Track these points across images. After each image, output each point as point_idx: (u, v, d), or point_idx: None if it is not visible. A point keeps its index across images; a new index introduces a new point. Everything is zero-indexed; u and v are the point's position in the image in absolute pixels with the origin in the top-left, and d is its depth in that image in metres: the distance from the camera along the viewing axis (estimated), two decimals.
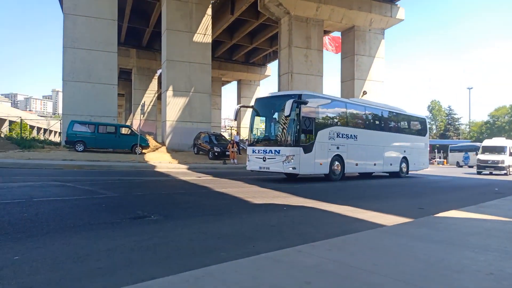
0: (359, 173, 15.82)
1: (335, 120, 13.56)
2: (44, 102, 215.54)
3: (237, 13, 29.02)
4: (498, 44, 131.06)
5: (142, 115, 21.19)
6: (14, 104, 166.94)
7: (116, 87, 22.95)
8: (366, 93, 28.34)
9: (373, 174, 17.06)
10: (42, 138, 30.73)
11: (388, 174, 17.02)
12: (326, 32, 30.62)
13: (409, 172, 17.68)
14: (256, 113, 13.03)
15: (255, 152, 12.56)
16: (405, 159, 16.96)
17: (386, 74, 29.41)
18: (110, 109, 22.35)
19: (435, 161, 48.89)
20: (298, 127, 11.64)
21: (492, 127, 57.67)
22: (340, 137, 13.23)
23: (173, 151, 22.55)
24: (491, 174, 22.92)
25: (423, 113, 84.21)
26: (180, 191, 9.09)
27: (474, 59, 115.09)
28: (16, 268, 3.08)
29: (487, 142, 25.95)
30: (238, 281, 2.42)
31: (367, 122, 15.41)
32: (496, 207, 6.17)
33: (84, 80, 21.39)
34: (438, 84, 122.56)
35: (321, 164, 12.38)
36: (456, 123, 67.05)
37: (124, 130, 22.12)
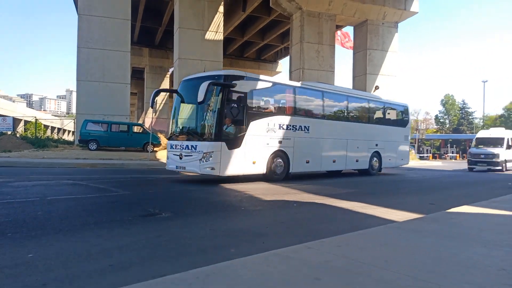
0: (327, 171, 13.93)
1: (278, 108, 11.49)
2: (58, 102, 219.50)
3: (249, 10, 28.94)
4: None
5: (154, 113, 21.36)
6: (29, 105, 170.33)
7: (129, 86, 23.15)
8: (378, 88, 27.97)
9: (342, 171, 14.96)
10: (56, 137, 31.27)
11: (357, 172, 14.97)
12: (338, 27, 30.31)
13: (387, 168, 15.82)
14: (181, 98, 10.63)
15: (173, 148, 10.34)
16: (377, 154, 14.77)
17: (399, 68, 28.99)
18: (123, 108, 22.57)
19: (448, 155, 48.24)
20: (220, 117, 9.40)
21: (507, 121, 56.49)
22: (283, 128, 11.11)
23: None
24: (489, 170, 19.91)
25: (436, 107, 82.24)
26: (191, 189, 9.11)
27: (490, 50, 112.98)
28: (30, 265, 3.13)
29: (482, 133, 22.63)
30: (247, 277, 2.42)
31: (325, 111, 12.93)
32: (509, 202, 6.04)
33: (98, 80, 21.65)
34: (452, 78, 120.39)
35: (254, 162, 10.21)
36: (470, 117, 65.72)
37: (136, 129, 22.33)
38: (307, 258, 2.82)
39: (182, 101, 10.66)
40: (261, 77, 11.39)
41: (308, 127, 11.98)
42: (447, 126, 67.19)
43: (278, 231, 4.78)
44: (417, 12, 28.31)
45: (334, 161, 12.97)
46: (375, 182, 12.47)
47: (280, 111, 11.56)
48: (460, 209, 5.27)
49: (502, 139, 20.44)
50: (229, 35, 34.87)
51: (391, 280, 2.31)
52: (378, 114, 15.60)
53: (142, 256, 3.46)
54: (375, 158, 14.79)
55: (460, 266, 2.62)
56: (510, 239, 3.46)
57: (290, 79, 26.46)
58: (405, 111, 16.81)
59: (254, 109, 10.39)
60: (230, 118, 9.64)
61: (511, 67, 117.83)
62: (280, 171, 11.03)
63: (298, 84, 12.50)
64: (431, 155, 46.93)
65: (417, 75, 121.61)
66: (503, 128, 24.42)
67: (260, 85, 10.84)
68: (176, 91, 11.03)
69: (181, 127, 10.86)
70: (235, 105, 9.75)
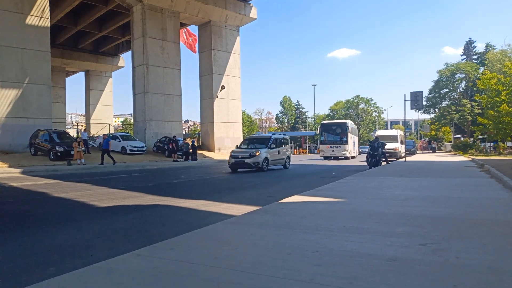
0: None
1: None
2: None
3: None
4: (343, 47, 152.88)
5: None
6: None
7: None
8: (224, 88, 29.18)
9: None
10: None
11: None
12: (184, 25, 30.25)
13: None
14: None
15: None
16: None
17: (241, 69, 30.83)
18: None
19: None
20: None
21: (332, 119, 67.21)
22: None
23: (2, 153, 18.88)
24: None
25: (277, 107, 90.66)
26: (8, 200, 7.65)
27: (323, 60, 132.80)
28: None
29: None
30: None
31: None
32: (330, 190, 7.00)
33: None
34: (289, 82, 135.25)
35: None
36: (304, 116, 75.22)
37: None
38: (133, 268, 2.57)
39: None
40: None
41: None
42: (286, 124, 75.02)
43: (111, 241, 4.35)
44: (256, 19, 30.65)
45: None
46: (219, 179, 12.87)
47: None
48: (291, 199, 5.78)
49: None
50: (59, 23, 30.63)
51: (216, 278, 2.29)
52: None
53: None
54: None
55: (282, 253, 2.81)
56: (326, 223, 3.95)
57: (133, 75, 25.16)
58: None
59: None
60: None
61: (337, 72, 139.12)
62: None
63: None
64: None
65: (261, 77, 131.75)
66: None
67: None
68: None
69: None
70: None
